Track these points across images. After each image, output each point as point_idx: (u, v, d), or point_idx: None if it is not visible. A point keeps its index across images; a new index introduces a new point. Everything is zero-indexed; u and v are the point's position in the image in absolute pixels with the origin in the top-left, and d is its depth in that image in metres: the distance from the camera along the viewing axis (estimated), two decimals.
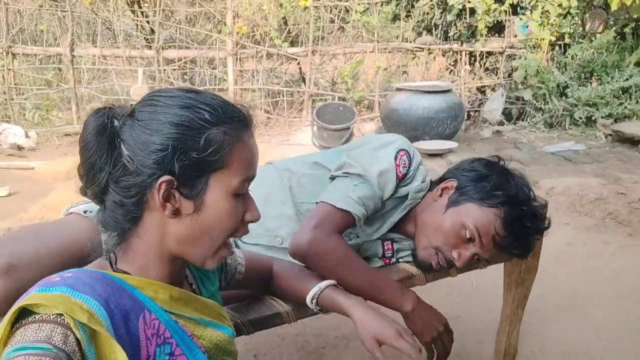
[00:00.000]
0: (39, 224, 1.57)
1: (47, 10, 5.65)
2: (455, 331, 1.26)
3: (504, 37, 5.76)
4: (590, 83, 5.44)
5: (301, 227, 1.22)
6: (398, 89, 4.89)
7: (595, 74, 5.46)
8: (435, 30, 5.84)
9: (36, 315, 0.63)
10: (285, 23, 5.93)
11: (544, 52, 5.58)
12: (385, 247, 1.42)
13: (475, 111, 5.79)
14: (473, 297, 2.30)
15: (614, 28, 5.55)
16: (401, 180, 1.33)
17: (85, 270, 0.74)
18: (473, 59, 5.91)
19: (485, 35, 5.64)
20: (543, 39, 5.47)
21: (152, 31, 5.55)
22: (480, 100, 5.87)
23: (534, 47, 5.59)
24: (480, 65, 5.89)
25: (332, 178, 1.34)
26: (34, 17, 5.83)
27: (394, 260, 1.43)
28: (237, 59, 5.48)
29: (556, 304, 2.24)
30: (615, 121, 5.07)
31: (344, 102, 5.35)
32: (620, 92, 5.20)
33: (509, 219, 1.25)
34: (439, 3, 5.68)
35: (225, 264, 1.03)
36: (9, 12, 5.35)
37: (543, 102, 5.38)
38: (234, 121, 0.76)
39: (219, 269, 1.00)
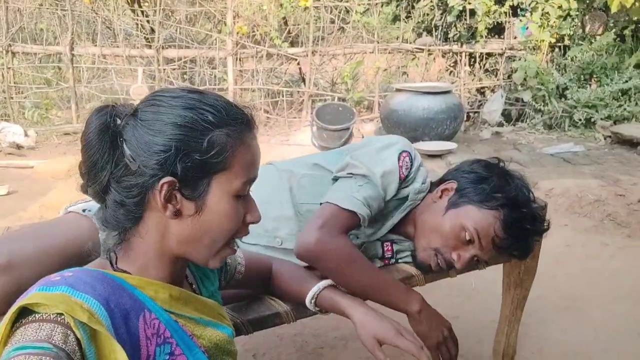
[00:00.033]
0: (38, 223, 1.58)
1: (47, 9, 5.65)
2: (455, 332, 1.26)
3: (503, 38, 5.77)
4: (590, 85, 5.44)
5: (306, 227, 1.21)
6: (398, 90, 4.89)
7: (594, 76, 5.47)
8: (435, 31, 5.84)
9: (36, 315, 0.63)
10: (286, 23, 5.93)
11: (543, 53, 5.58)
12: (385, 248, 1.42)
13: (475, 112, 5.79)
14: (472, 297, 2.30)
15: (613, 30, 5.55)
16: (403, 181, 1.33)
17: (85, 269, 0.74)
18: (473, 60, 5.92)
19: (485, 36, 5.64)
20: (543, 40, 5.48)
21: (152, 30, 5.55)
22: (479, 101, 5.88)
23: (534, 49, 5.60)
24: (480, 67, 5.90)
25: (335, 179, 1.33)
26: (34, 15, 5.83)
27: (393, 261, 1.43)
28: (237, 59, 5.48)
29: (555, 305, 2.24)
30: (615, 123, 5.08)
31: (344, 103, 5.35)
32: (620, 94, 5.21)
33: (508, 221, 1.25)
34: (439, 4, 5.69)
35: (225, 264, 1.03)
36: (9, 10, 5.34)
37: (542, 104, 5.39)
38: (237, 123, 0.76)
39: (219, 268, 1.00)
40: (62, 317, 0.62)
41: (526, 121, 5.51)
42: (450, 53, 5.86)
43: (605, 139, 4.93)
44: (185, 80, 5.67)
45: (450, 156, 4.40)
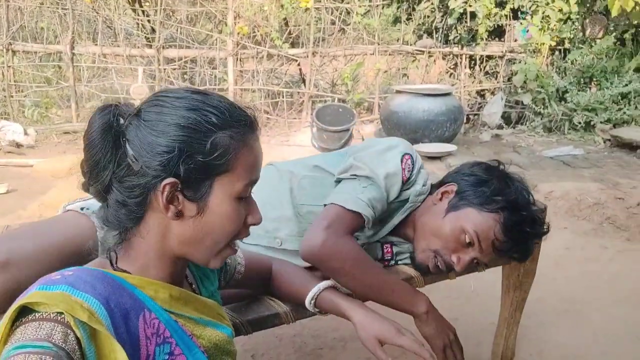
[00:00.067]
0: (37, 221, 1.57)
1: (48, 7, 5.64)
2: None
3: (504, 41, 5.77)
4: (590, 88, 5.45)
5: (312, 229, 1.20)
6: (398, 92, 4.90)
7: (594, 79, 5.47)
8: (436, 33, 5.85)
9: (36, 314, 0.63)
10: (286, 24, 5.93)
11: (543, 56, 5.59)
12: (385, 250, 1.42)
13: (475, 114, 5.80)
14: (471, 299, 2.30)
15: (614, 34, 5.56)
16: (405, 183, 1.34)
17: (85, 268, 0.74)
18: (473, 62, 5.93)
19: (486, 39, 5.65)
20: (543, 43, 5.48)
21: (153, 30, 5.55)
22: (479, 103, 5.89)
23: (534, 52, 5.61)
24: (480, 69, 5.90)
25: (338, 181, 1.33)
26: (35, 14, 5.83)
27: (392, 263, 1.43)
28: (237, 59, 5.48)
29: (554, 307, 2.24)
30: (614, 126, 5.08)
31: (344, 104, 5.35)
32: (620, 97, 5.21)
33: (508, 224, 1.26)
34: (440, 6, 5.69)
35: (224, 264, 1.02)
36: (10, 9, 5.34)
37: (542, 107, 5.40)
38: (241, 125, 0.75)
39: (219, 268, 1.00)
40: (62, 316, 0.62)
41: (526, 124, 5.52)
42: (451, 55, 5.87)
43: (604, 142, 4.94)
44: (185, 80, 5.67)
45: (450, 158, 4.40)
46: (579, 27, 5.67)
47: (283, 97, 5.61)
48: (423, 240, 1.34)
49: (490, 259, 1.33)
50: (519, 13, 5.66)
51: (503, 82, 5.81)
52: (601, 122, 5.11)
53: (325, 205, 1.26)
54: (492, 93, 5.91)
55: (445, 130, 4.68)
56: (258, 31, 5.45)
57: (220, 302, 0.94)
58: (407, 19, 5.93)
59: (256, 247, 1.34)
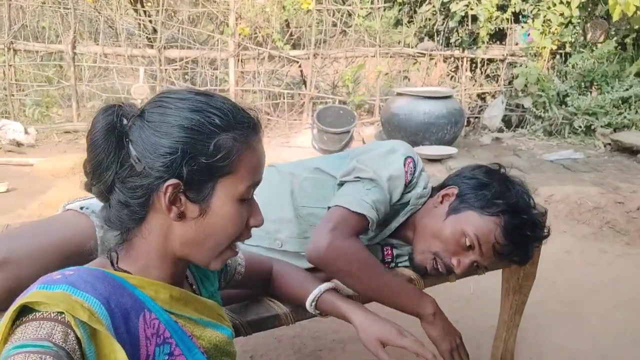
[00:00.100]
0: (36, 220, 1.58)
1: (50, 7, 5.65)
2: None
3: (505, 44, 5.78)
4: (590, 92, 5.45)
5: (317, 231, 1.20)
6: (399, 94, 4.90)
7: (595, 84, 5.48)
8: (437, 36, 5.85)
9: (37, 313, 0.63)
10: (288, 25, 5.94)
11: (544, 60, 5.59)
12: (385, 252, 1.42)
13: (475, 117, 5.80)
14: (471, 302, 2.30)
15: (615, 38, 5.57)
16: (406, 186, 1.34)
17: (86, 268, 0.74)
18: (474, 65, 5.93)
19: (487, 42, 5.65)
20: (544, 47, 5.49)
21: (155, 30, 5.55)
22: (480, 106, 5.89)
23: (535, 55, 5.61)
24: (481, 72, 5.91)
25: (341, 184, 1.33)
26: (37, 13, 5.83)
27: (393, 265, 1.43)
28: (238, 60, 5.48)
29: (554, 311, 2.24)
30: (615, 131, 5.08)
31: (345, 106, 5.36)
32: (620, 102, 5.21)
33: (509, 227, 1.26)
34: (442, 9, 5.70)
35: (225, 264, 1.02)
36: (12, 8, 5.35)
37: (543, 110, 5.40)
38: (244, 127, 0.75)
39: None
40: (63, 315, 0.62)
41: (526, 127, 5.52)
42: (452, 58, 5.87)
43: (605, 146, 4.94)
44: (186, 80, 5.67)
45: (450, 161, 4.40)
46: (580, 31, 5.68)
47: (284, 99, 5.62)
48: (423, 242, 1.34)
49: (490, 262, 1.33)
50: (520, 17, 5.66)
51: (504, 85, 5.81)
52: (602, 126, 5.12)
53: (329, 207, 1.26)
54: (493, 96, 5.91)
55: (446, 133, 4.68)
56: (259, 32, 5.45)
57: (221, 303, 0.94)
58: (409, 22, 5.94)
59: (257, 249, 1.34)
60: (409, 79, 6.07)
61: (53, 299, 0.63)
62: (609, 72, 5.41)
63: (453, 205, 1.32)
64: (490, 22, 5.40)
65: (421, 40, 6.01)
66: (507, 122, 5.61)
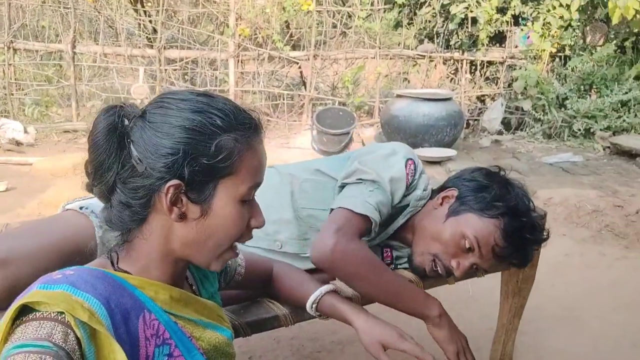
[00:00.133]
0: (36, 220, 1.57)
1: (50, 6, 5.65)
2: None
3: (504, 47, 5.79)
4: (590, 95, 5.46)
5: (322, 233, 1.20)
6: (398, 96, 4.90)
7: (594, 87, 5.49)
8: (437, 38, 5.86)
9: (37, 313, 0.63)
10: (288, 26, 5.94)
11: (544, 63, 5.60)
12: (385, 254, 1.42)
13: (475, 120, 5.81)
14: (470, 305, 2.30)
15: (614, 41, 5.58)
16: (407, 188, 1.34)
17: (87, 268, 0.74)
18: (474, 68, 5.94)
19: (487, 44, 5.66)
20: (544, 50, 5.50)
21: (155, 30, 5.55)
22: (479, 109, 5.89)
23: (535, 58, 5.62)
24: (481, 75, 5.92)
25: (342, 186, 1.33)
26: (37, 12, 5.83)
27: (392, 267, 1.43)
28: (238, 61, 5.48)
29: (553, 314, 2.24)
30: (614, 134, 5.10)
31: (344, 107, 5.36)
32: (619, 105, 5.22)
33: (508, 230, 1.26)
34: (442, 12, 5.71)
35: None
36: (12, 7, 5.34)
37: (542, 113, 5.40)
38: (245, 128, 0.75)
39: None
40: (63, 315, 0.62)
41: (526, 130, 5.52)
42: (452, 60, 5.88)
43: (604, 149, 4.95)
44: (186, 81, 5.67)
45: (449, 163, 4.41)
46: (580, 34, 5.69)
47: (283, 100, 5.62)
48: (422, 244, 1.34)
49: (489, 264, 1.33)
50: (519, 19, 5.67)
51: (503, 87, 5.82)
52: (601, 130, 5.13)
53: (332, 209, 1.26)
54: (492, 99, 5.92)
55: (445, 135, 4.69)
56: (259, 33, 5.46)
57: (220, 304, 0.94)
58: (409, 24, 5.95)
59: (256, 250, 1.34)
60: (408, 81, 6.08)
61: (53, 299, 0.63)
62: (609, 75, 5.42)
63: (453, 207, 1.32)
64: (490, 24, 5.41)
65: (421, 42, 6.02)
66: (506, 124, 5.62)
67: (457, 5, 5.42)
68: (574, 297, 2.40)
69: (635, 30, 5.28)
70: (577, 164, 4.49)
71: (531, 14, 5.49)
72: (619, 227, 3.10)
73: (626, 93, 5.20)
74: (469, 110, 5.90)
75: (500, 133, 5.51)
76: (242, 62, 5.54)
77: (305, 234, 1.35)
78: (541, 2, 5.46)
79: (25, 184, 3.73)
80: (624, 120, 5.11)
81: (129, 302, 0.72)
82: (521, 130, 5.58)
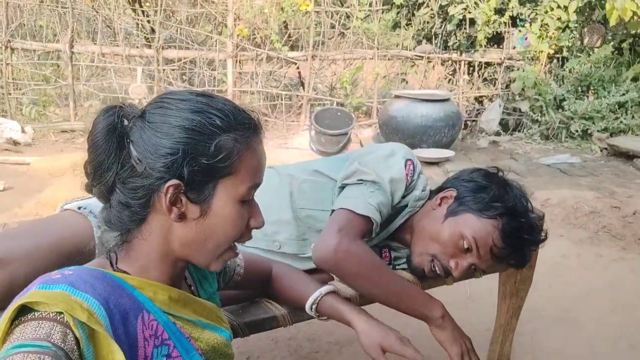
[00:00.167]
0: (34, 220, 1.57)
1: (48, 6, 5.63)
2: None
3: (502, 48, 5.80)
4: (587, 97, 5.48)
5: (324, 234, 1.20)
6: (396, 97, 4.90)
7: (592, 88, 5.50)
8: (435, 39, 5.87)
9: (36, 313, 0.63)
10: (286, 27, 5.94)
11: (542, 64, 5.62)
12: (383, 255, 1.42)
13: (473, 121, 5.81)
14: (467, 305, 2.30)
15: (611, 43, 5.60)
16: (406, 189, 1.34)
17: (86, 268, 0.74)
18: (472, 69, 5.95)
19: (485, 46, 5.67)
20: (541, 51, 5.51)
21: (153, 30, 5.55)
22: (477, 110, 5.90)
23: (532, 59, 5.63)
24: (479, 76, 5.93)
25: (342, 187, 1.33)
26: (34, 12, 5.82)
27: (390, 267, 1.43)
28: (236, 61, 5.48)
29: (551, 315, 2.25)
30: (611, 135, 5.11)
31: (342, 108, 5.36)
32: (617, 106, 5.24)
33: (507, 230, 1.26)
34: (440, 13, 5.72)
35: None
36: (9, 6, 5.33)
37: (540, 114, 5.42)
38: (245, 128, 0.75)
39: None
40: (62, 316, 0.62)
41: (523, 131, 5.54)
42: (450, 61, 5.89)
43: (601, 151, 4.96)
44: (184, 81, 5.67)
45: (447, 164, 4.41)
46: (578, 35, 5.70)
47: (282, 100, 5.62)
48: (421, 244, 1.34)
49: (488, 265, 1.33)
50: (517, 20, 5.69)
51: (501, 89, 5.83)
52: (598, 131, 5.14)
53: (333, 210, 1.26)
54: (490, 100, 5.93)
55: (443, 136, 4.69)
56: (258, 33, 5.46)
57: (219, 305, 0.94)
58: (407, 25, 5.95)
59: (255, 250, 1.34)
60: (406, 82, 6.09)
61: (52, 299, 0.63)
62: (606, 76, 5.44)
63: (451, 207, 1.32)
64: (487, 25, 5.42)
65: (419, 43, 6.02)
66: (504, 125, 5.63)
67: (455, 7, 5.43)
68: (571, 298, 2.41)
69: (633, 32, 5.30)
70: (574, 165, 4.50)
71: (529, 15, 5.50)
72: (616, 229, 3.11)
73: (623, 94, 5.22)
74: (466, 111, 5.91)
75: (497, 134, 5.52)
76: (240, 62, 5.54)
77: (304, 234, 1.35)
78: (539, 3, 5.48)
79: (23, 184, 3.72)
80: (621, 122, 5.13)
81: (128, 303, 0.72)
82: (519, 131, 5.59)
